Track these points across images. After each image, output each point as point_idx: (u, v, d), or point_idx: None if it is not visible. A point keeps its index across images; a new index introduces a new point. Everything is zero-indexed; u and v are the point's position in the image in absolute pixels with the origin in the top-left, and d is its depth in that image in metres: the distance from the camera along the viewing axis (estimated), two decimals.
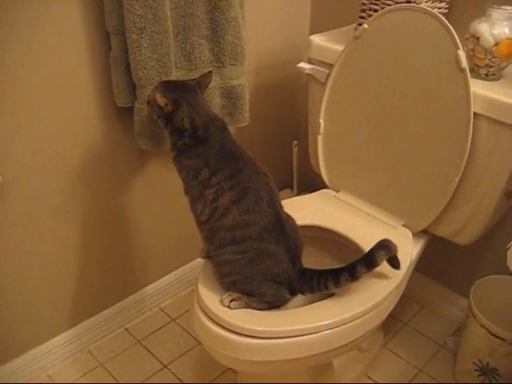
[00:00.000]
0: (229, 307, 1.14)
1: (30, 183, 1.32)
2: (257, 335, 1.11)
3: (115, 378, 1.54)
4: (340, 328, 1.15)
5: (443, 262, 1.71)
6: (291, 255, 1.19)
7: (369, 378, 1.56)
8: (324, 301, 1.20)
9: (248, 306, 1.15)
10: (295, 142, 1.85)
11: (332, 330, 1.14)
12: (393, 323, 1.74)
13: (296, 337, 1.12)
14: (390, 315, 1.70)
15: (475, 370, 1.47)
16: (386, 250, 1.17)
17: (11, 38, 1.17)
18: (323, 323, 1.13)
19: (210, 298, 1.17)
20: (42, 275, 1.45)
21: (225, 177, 1.15)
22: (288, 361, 1.16)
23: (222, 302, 1.15)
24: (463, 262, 1.67)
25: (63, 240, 1.45)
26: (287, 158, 1.90)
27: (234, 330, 1.11)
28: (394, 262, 1.20)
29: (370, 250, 1.16)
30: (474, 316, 1.43)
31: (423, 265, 1.72)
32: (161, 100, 1.16)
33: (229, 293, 1.16)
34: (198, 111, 1.19)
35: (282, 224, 1.18)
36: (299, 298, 1.36)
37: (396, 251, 1.18)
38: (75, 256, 1.50)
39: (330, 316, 1.15)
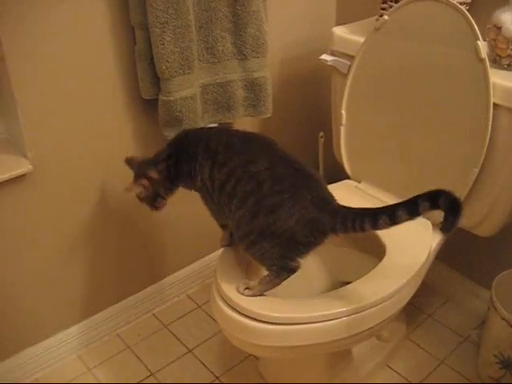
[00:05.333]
0: (242, 294, 1.17)
1: (59, 172, 1.39)
2: (274, 321, 1.14)
3: (141, 361, 1.61)
4: (358, 315, 1.17)
5: (470, 255, 1.70)
6: (317, 199, 1.11)
7: (389, 367, 1.57)
8: (342, 288, 1.23)
9: (262, 293, 1.18)
10: (321, 134, 1.86)
11: (349, 318, 1.16)
12: (416, 314, 1.74)
13: (313, 323, 1.15)
14: (414, 306, 1.74)
15: (496, 362, 1.46)
16: (431, 201, 1.02)
17: (45, 33, 1.24)
18: (341, 310, 1.15)
19: (229, 285, 1.21)
20: (73, 260, 1.52)
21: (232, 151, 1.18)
22: (305, 347, 1.19)
23: (237, 289, 1.18)
24: (490, 254, 1.65)
25: (92, 227, 1.52)
26: (313, 149, 1.92)
27: (252, 316, 1.14)
28: (446, 222, 1.03)
29: (416, 197, 1.04)
30: (496, 309, 1.42)
31: (450, 257, 1.72)
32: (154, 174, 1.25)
33: (244, 281, 1.20)
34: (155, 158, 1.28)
35: (297, 171, 1.15)
36: (318, 284, 1.40)
37: (449, 208, 1.01)
38: (106, 241, 1.57)
39: (348, 303, 1.16)
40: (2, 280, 1.40)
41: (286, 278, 1.17)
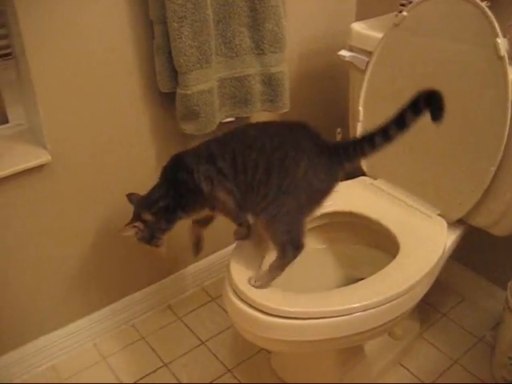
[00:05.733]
0: (254, 286, 1.18)
1: (76, 164, 1.41)
2: (286, 315, 1.14)
3: (155, 351, 1.63)
4: (370, 311, 1.16)
5: (486, 254, 1.69)
6: (317, 146, 1.22)
7: (401, 365, 1.57)
8: (355, 284, 1.23)
9: (272, 280, 1.20)
10: (339, 130, 1.86)
11: (362, 313, 1.16)
12: (431, 313, 1.73)
13: (325, 318, 1.15)
14: (428, 305, 1.73)
15: (510, 364, 1.45)
16: (413, 109, 1.12)
17: (65, 26, 1.26)
18: (354, 305, 1.15)
19: (242, 278, 1.21)
20: (90, 250, 1.54)
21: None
22: (316, 341, 1.19)
23: (249, 281, 1.19)
24: (506, 254, 1.63)
25: (108, 217, 1.54)
26: None
27: (263, 309, 1.15)
28: (432, 113, 1.11)
29: (401, 111, 1.14)
30: (510, 310, 1.40)
31: (466, 256, 1.71)
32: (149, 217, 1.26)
33: (255, 274, 1.21)
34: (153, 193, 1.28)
35: (291, 128, 1.25)
36: (332, 280, 1.40)
37: (431, 103, 1.10)
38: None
39: (361, 299, 1.17)
40: (21, 267, 1.43)
41: (292, 259, 1.20)
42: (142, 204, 1.29)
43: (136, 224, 1.26)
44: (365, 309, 1.16)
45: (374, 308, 1.17)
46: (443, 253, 1.30)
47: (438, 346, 1.63)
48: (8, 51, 1.27)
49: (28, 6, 1.18)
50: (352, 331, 1.19)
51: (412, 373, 1.55)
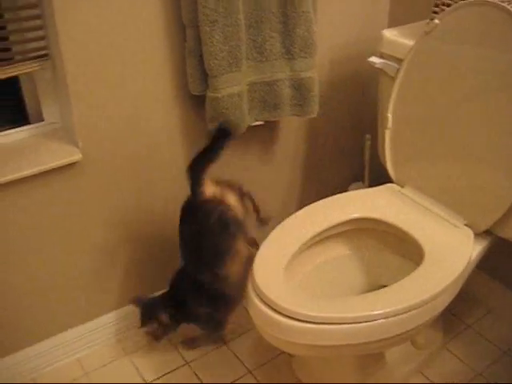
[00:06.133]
0: None
1: (106, 163, 1.44)
2: (309, 320, 1.14)
3: (178, 350, 1.65)
4: (392, 319, 1.16)
5: None
6: None
7: (423, 375, 1.56)
8: (378, 290, 1.23)
9: None
10: (368, 136, 1.85)
11: (384, 320, 1.16)
12: (456, 324, 1.71)
13: (347, 324, 1.15)
14: (454, 315, 1.71)
15: None
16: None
17: (102, 27, 1.29)
18: (375, 312, 1.15)
19: (265, 282, 1.23)
20: (115, 249, 1.57)
21: None
22: (338, 346, 1.19)
23: None
24: None
25: (137, 216, 1.57)
26: (359, 152, 1.91)
27: (287, 314, 1.16)
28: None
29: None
30: None
31: (493, 268, 1.69)
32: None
33: None
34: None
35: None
36: (356, 287, 1.40)
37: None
38: (148, 232, 1.62)
39: (383, 306, 1.17)
40: (48, 261, 1.48)
41: None
42: (155, 303, 1.53)
43: (154, 325, 1.51)
44: (386, 316, 1.16)
45: (395, 316, 1.16)
46: (468, 263, 1.29)
47: (461, 357, 1.61)
48: (45, 52, 1.31)
49: (65, 9, 1.22)
50: (373, 338, 1.18)
51: (433, 383, 1.53)
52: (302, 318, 1.15)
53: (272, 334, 1.21)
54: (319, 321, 1.15)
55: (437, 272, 1.25)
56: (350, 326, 1.15)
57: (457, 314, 1.73)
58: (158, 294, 1.57)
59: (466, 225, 1.37)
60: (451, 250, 1.31)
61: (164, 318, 1.49)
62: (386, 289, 1.22)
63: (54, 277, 1.50)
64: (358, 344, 1.19)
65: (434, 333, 1.63)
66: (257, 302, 1.20)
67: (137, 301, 1.54)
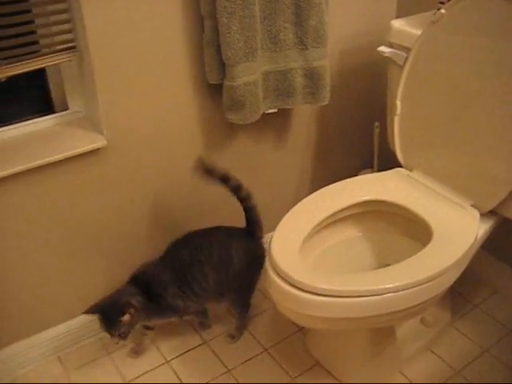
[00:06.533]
0: None
1: (129, 148, 1.51)
2: (324, 293, 1.22)
3: (196, 330, 1.73)
4: (401, 292, 1.23)
5: None
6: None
7: (432, 352, 1.62)
8: (389, 267, 1.31)
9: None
10: (377, 124, 1.91)
11: (393, 294, 1.22)
12: (462, 304, 1.78)
13: (359, 297, 1.22)
14: (461, 296, 1.77)
15: None
16: None
17: (125, 22, 1.36)
18: (386, 286, 1.22)
19: (282, 258, 1.30)
20: (135, 235, 1.65)
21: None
22: (351, 319, 1.26)
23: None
24: None
25: (156, 202, 1.64)
26: (368, 138, 1.98)
27: (304, 287, 1.23)
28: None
29: None
30: None
31: (499, 249, 1.75)
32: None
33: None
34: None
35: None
36: (365, 266, 1.46)
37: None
38: (170, 217, 1.69)
39: (393, 280, 1.23)
40: (73, 242, 1.55)
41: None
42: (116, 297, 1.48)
43: (130, 310, 1.44)
44: (396, 290, 1.22)
45: (404, 290, 1.23)
46: (475, 241, 1.35)
47: (468, 335, 1.67)
48: (72, 45, 1.37)
49: (92, 3, 1.29)
50: (383, 311, 1.25)
51: (442, 359, 1.60)
52: (318, 292, 1.22)
53: (290, 307, 1.28)
54: (333, 294, 1.22)
55: (444, 249, 1.32)
56: (361, 299, 1.22)
57: (464, 294, 1.80)
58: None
59: (472, 205, 1.44)
60: (458, 230, 1.38)
61: (135, 302, 1.44)
62: (396, 265, 1.29)
63: (74, 262, 1.58)
64: (369, 317, 1.26)
65: (442, 312, 1.70)
66: (275, 277, 1.28)
67: (93, 309, 1.45)
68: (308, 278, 1.24)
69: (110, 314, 1.41)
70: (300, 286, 1.23)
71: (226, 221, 1.61)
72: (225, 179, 1.47)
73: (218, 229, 1.59)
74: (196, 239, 1.54)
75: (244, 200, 1.52)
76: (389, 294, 1.22)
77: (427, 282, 1.25)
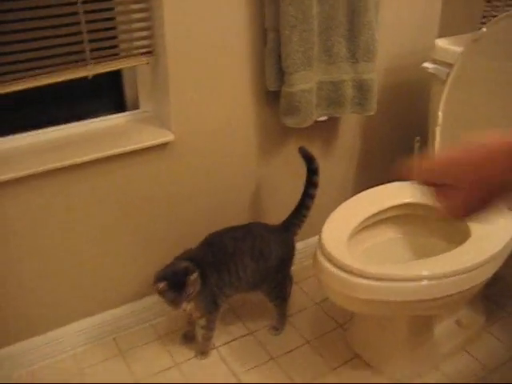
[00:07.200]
0: None
1: (193, 145, 1.67)
2: (370, 276, 1.34)
3: (241, 319, 1.84)
4: (436, 281, 1.35)
5: None
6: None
7: (466, 351, 1.70)
8: (428, 258, 1.41)
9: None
10: (417, 138, 2.03)
11: (429, 282, 1.34)
12: (496, 311, 1.85)
13: (404, 281, 1.34)
14: (495, 304, 1.85)
15: None
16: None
17: (199, 33, 1.53)
18: (423, 273, 1.35)
19: (332, 243, 1.43)
20: (194, 227, 1.79)
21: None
22: (391, 303, 1.38)
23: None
24: None
25: (219, 197, 1.79)
26: (410, 152, 2.10)
27: (352, 271, 1.35)
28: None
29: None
30: None
31: None
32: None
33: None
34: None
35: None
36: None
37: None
38: (229, 213, 1.83)
39: (430, 268, 1.36)
40: (133, 232, 1.70)
41: None
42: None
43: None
44: (432, 278, 1.34)
45: (439, 279, 1.35)
46: (510, 240, 1.46)
47: (501, 339, 1.75)
48: (149, 50, 1.55)
49: (172, 16, 1.47)
50: (419, 297, 1.37)
51: (476, 358, 1.68)
52: (364, 275, 1.34)
53: (338, 290, 1.40)
54: (378, 277, 1.33)
55: (479, 247, 1.43)
56: (405, 283, 1.34)
57: (499, 303, 1.88)
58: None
59: (509, 209, 1.54)
60: (494, 230, 1.48)
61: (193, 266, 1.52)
62: (435, 257, 1.40)
63: (132, 252, 1.72)
64: (408, 302, 1.38)
65: (477, 316, 1.78)
66: (325, 262, 1.40)
67: (159, 277, 1.51)
68: (357, 263, 1.36)
69: (176, 277, 1.49)
70: (348, 269, 1.35)
71: (270, 217, 1.72)
72: (311, 161, 1.68)
73: (257, 224, 1.74)
74: (239, 231, 1.66)
75: (313, 185, 1.70)
76: (424, 281, 1.34)
77: (461, 274, 1.36)
